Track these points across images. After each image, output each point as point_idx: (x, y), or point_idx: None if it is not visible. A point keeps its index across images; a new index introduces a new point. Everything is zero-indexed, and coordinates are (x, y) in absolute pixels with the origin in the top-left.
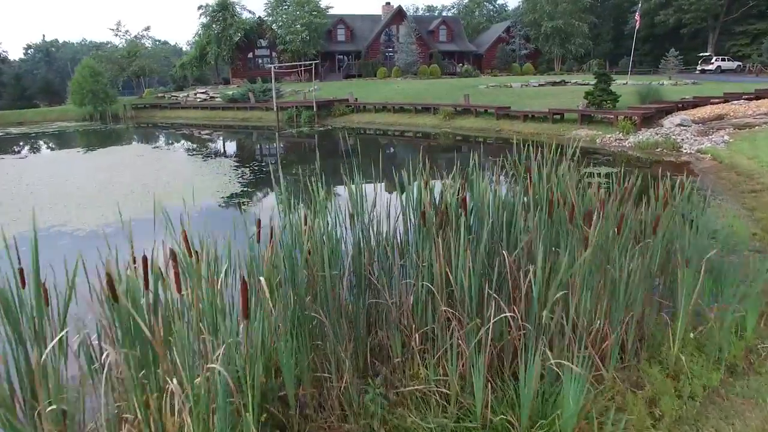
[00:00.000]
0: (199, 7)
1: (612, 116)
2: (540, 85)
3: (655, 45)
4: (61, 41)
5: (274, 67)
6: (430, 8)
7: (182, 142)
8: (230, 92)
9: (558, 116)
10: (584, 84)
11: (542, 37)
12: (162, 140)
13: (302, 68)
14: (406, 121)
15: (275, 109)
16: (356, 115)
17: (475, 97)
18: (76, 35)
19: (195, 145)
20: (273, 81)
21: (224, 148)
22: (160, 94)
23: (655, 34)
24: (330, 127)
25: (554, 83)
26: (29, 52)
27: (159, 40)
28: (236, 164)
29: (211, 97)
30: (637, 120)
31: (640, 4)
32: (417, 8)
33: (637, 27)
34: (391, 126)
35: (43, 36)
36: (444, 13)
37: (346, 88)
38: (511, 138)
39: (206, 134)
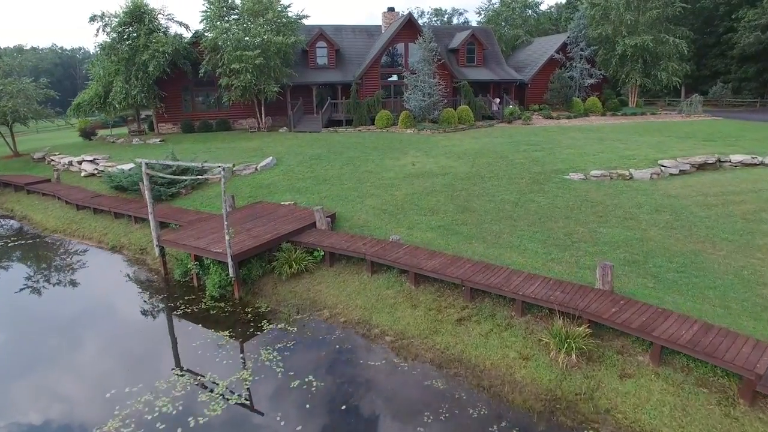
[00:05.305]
0: (92, 18)
1: None
2: (681, 171)
3: (766, 66)
4: (28, 46)
5: (146, 164)
6: (437, 11)
7: None
8: (126, 167)
9: None
10: (755, 164)
11: (616, 60)
12: None
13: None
14: (445, 349)
15: (156, 252)
16: (326, 281)
17: (571, 202)
18: (44, 40)
19: None
20: (149, 199)
21: None
22: (39, 154)
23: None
24: (266, 334)
25: (702, 165)
26: None
27: None
28: None
29: (100, 171)
30: None
31: None
32: (422, 12)
33: None
34: (414, 371)
35: None
36: (455, 19)
37: (323, 161)
38: None
39: None
